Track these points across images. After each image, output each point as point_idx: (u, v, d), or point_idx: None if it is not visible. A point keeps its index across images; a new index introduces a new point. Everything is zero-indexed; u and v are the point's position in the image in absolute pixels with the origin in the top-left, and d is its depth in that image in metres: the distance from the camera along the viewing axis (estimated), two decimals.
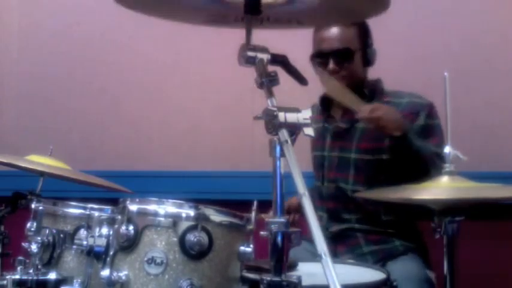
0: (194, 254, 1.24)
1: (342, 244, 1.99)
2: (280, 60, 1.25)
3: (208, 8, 1.30)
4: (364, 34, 2.00)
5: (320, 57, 1.99)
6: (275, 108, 1.10)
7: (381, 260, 1.92)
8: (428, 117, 1.95)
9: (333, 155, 2.05)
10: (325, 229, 2.00)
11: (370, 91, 2.01)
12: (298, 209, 1.99)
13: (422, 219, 1.70)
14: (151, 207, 1.28)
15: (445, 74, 1.47)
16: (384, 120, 1.80)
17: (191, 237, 1.23)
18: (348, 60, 1.96)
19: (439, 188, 1.45)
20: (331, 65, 1.96)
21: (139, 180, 2.61)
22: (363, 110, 1.82)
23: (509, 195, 1.52)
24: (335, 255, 1.93)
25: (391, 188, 1.65)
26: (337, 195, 2.03)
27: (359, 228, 1.99)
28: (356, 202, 1.97)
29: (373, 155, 1.96)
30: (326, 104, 2.11)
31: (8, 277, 1.43)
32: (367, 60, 2.02)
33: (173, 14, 1.36)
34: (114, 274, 1.23)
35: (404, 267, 1.85)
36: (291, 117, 1.09)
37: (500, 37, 2.57)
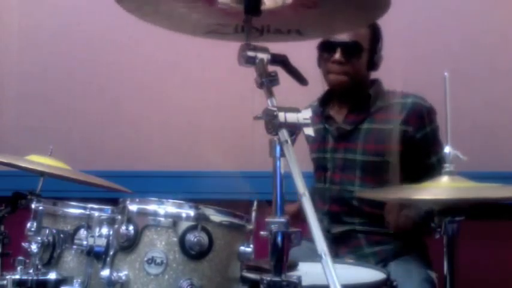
0: (194, 254, 1.24)
1: (343, 246, 1.98)
2: (280, 60, 1.25)
3: (207, 20, 1.31)
4: (375, 38, 2.00)
5: (328, 46, 1.96)
6: (275, 108, 1.10)
7: (382, 261, 1.92)
8: (430, 123, 1.97)
9: (337, 157, 2.03)
10: (326, 231, 1.99)
11: (374, 93, 2.02)
12: (294, 216, 1.98)
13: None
14: (151, 207, 1.28)
15: (445, 74, 1.47)
16: (407, 217, 1.86)
17: (191, 237, 1.23)
18: (356, 55, 1.95)
19: (439, 188, 1.45)
20: (338, 54, 1.93)
21: (139, 180, 2.61)
22: (393, 219, 1.86)
23: (509, 195, 1.51)
24: (336, 256, 1.92)
25: (391, 188, 1.65)
26: (341, 197, 2.02)
27: (361, 229, 1.99)
28: (360, 204, 1.97)
29: (379, 157, 1.96)
30: (326, 105, 2.10)
31: (8, 277, 1.43)
32: (373, 64, 2.01)
33: (172, 24, 1.36)
34: (114, 274, 1.23)
35: (406, 268, 1.85)
36: (291, 117, 1.09)
37: (500, 37, 2.57)
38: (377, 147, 1.96)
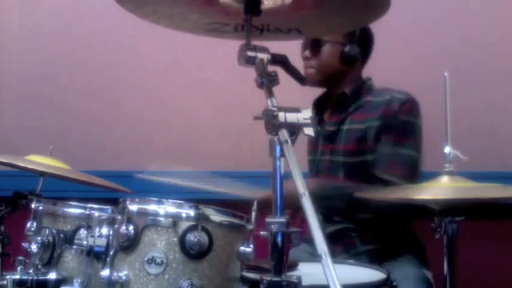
0: (194, 254, 1.24)
1: (337, 244, 1.98)
2: (280, 60, 1.25)
3: (207, 19, 1.31)
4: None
5: (303, 47, 2.05)
6: (275, 108, 1.10)
7: (377, 260, 1.91)
8: (398, 112, 1.91)
9: (325, 159, 2.05)
10: None
11: (353, 91, 2.02)
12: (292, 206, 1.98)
13: (421, 219, 1.70)
14: (151, 207, 1.28)
15: (445, 74, 1.47)
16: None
17: (191, 237, 1.23)
18: (318, 48, 2.01)
19: (439, 188, 1.45)
20: (306, 51, 2.03)
21: (139, 180, 2.61)
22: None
23: (509, 195, 1.52)
24: (331, 255, 1.92)
25: (391, 188, 1.65)
26: None
27: (354, 228, 1.99)
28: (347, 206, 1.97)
29: (358, 157, 1.96)
30: (320, 107, 2.11)
31: (8, 277, 1.43)
32: (346, 56, 2.00)
33: (172, 23, 1.36)
34: (114, 274, 1.23)
35: (401, 267, 1.85)
36: (291, 117, 1.09)
37: (500, 37, 2.57)
38: (356, 148, 1.96)
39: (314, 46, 2.01)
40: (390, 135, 1.91)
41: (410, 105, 1.93)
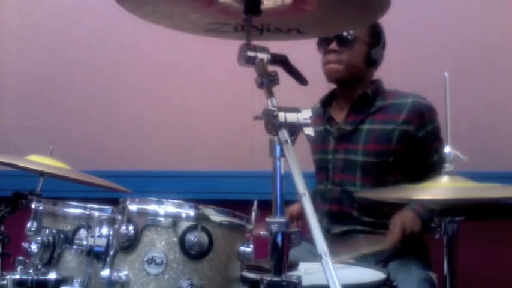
0: (194, 254, 1.24)
1: (343, 245, 1.98)
2: (280, 60, 1.25)
3: (207, 19, 1.31)
4: (374, 33, 2.01)
5: (325, 40, 2.00)
6: (275, 108, 1.10)
7: (382, 261, 1.91)
8: (431, 122, 1.98)
9: (338, 158, 2.04)
10: (326, 231, 2.00)
11: (373, 92, 2.02)
12: (300, 216, 1.99)
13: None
14: (151, 207, 1.28)
15: (445, 74, 1.46)
16: (413, 232, 1.85)
17: (191, 237, 1.23)
18: (349, 44, 1.97)
19: (439, 188, 1.45)
20: (333, 44, 1.98)
21: (139, 180, 2.61)
22: (393, 240, 1.83)
23: (509, 195, 1.51)
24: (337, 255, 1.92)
25: (391, 188, 1.65)
26: (342, 198, 2.02)
27: (361, 229, 1.99)
28: (361, 204, 1.97)
29: (380, 157, 1.96)
30: (327, 106, 2.11)
31: (8, 277, 1.43)
32: (371, 59, 2.02)
33: (172, 23, 1.36)
34: (114, 274, 1.23)
35: (406, 268, 1.85)
36: (291, 117, 1.09)
37: (500, 37, 2.57)
38: (378, 148, 1.97)
39: (344, 40, 1.98)
40: (434, 144, 1.97)
41: (434, 110, 1.98)
